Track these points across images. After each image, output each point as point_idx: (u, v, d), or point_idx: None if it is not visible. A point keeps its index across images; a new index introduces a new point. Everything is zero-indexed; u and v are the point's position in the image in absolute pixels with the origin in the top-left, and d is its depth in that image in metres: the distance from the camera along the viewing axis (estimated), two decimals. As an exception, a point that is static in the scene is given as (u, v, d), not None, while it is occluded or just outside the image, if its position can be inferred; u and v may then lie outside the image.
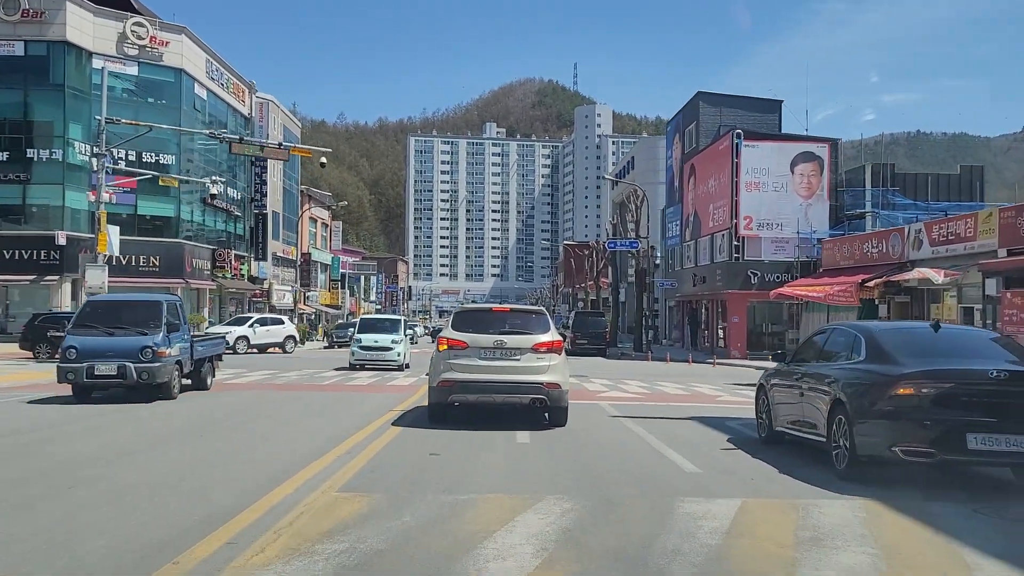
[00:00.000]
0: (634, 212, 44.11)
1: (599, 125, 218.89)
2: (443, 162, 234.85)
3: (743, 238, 37.87)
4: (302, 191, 65.99)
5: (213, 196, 31.04)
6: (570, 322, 43.20)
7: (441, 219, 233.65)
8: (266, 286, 54.99)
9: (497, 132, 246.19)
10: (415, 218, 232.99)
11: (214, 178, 30.82)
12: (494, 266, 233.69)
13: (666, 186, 52.29)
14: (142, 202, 40.85)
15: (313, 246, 68.55)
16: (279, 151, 27.93)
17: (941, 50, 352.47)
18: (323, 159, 29.00)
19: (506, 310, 12.84)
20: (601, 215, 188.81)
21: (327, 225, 74.66)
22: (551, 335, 12.08)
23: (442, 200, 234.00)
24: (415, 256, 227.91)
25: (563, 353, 12.24)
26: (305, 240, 66.48)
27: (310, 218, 68.28)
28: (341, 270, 76.27)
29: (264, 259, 53.03)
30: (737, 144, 37.73)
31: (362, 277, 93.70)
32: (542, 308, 13.24)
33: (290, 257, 60.50)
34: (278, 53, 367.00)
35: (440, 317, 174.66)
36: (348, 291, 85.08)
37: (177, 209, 42.15)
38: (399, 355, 25.78)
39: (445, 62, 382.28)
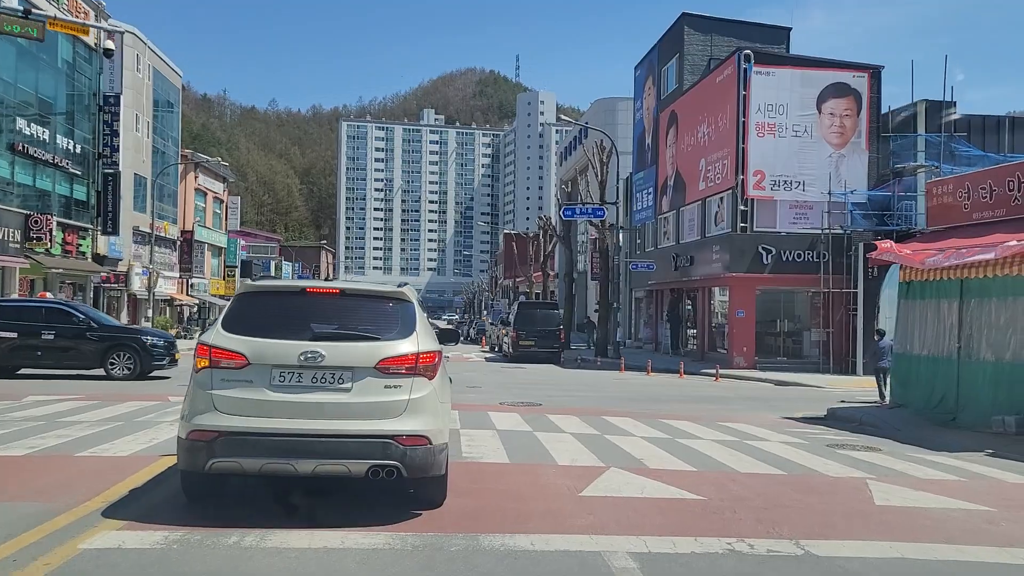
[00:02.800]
0: (599, 171, 33.15)
1: (542, 113, 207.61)
2: (377, 149, 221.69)
3: (752, 201, 27.39)
4: (184, 155, 53.72)
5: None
6: (512, 316, 32.24)
7: (375, 209, 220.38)
8: (123, 268, 42.81)
9: (435, 120, 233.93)
10: (347, 208, 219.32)
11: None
12: (431, 259, 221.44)
13: (633, 149, 41.64)
14: (-98, 142, 28.58)
15: (201, 224, 56.28)
16: (25, 22, 16.29)
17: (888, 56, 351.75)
18: (109, 43, 17.52)
19: (332, 292, 6.54)
20: (544, 207, 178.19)
21: (221, 200, 62.32)
22: (414, 342, 6.16)
23: (376, 190, 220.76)
24: (347, 248, 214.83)
25: (438, 373, 6.32)
26: (189, 216, 54.23)
27: (196, 190, 56.00)
28: (240, 254, 64.08)
29: (115, 232, 40.80)
30: (745, 70, 27.21)
31: (272, 264, 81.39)
32: (403, 291, 6.61)
33: (165, 235, 48.33)
34: (204, 36, 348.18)
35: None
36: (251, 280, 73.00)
37: (-42, 154, 29.93)
38: None
39: (383, 50, 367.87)
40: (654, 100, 37.32)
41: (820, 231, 26.68)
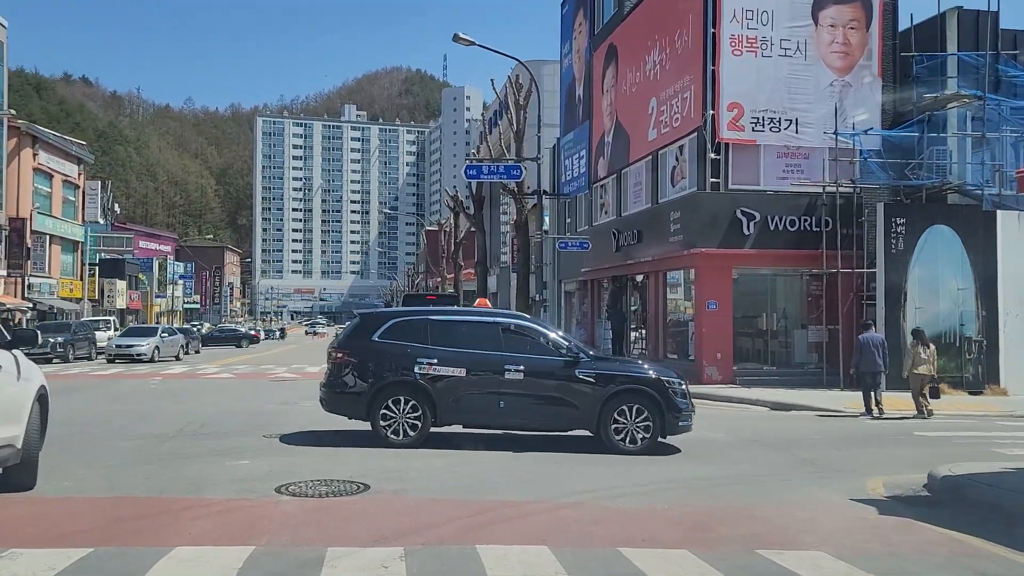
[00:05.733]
0: (514, 118, 24.83)
1: (468, 109, 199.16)
2: (296, 147, 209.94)
3: (726, 146, 19.51)
4: (14, 126, 43.73)
5: None
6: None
7: (294, 210, 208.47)
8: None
9: (357, 116, 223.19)
10: (263, 208, 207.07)
11: None
12: (353, 262, 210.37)
13: (560, 108, 33.59)
14: None
15: (44, 212, 46.36)
16: None
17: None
18: None
19: None
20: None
21: (76, 186, 52.27)
22: None
23: (295, 189, 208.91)
24: (264, 251, 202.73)
25: None
26: (25, 200, 44.30)
27: (37, 170, 46.01)
28: (98, 251, 54.12)
29: None
30: (715, -38, 19.34)
31: (156, 264, 71.28)
32: None
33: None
34: (117, 31, 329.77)
35: (292, 320, 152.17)
36: (127, 281, 62.87)
37: None
38: None
39: (306, 49, 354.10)
40: (586, 39, 29.32)
41: (821, 188, 18.98)
